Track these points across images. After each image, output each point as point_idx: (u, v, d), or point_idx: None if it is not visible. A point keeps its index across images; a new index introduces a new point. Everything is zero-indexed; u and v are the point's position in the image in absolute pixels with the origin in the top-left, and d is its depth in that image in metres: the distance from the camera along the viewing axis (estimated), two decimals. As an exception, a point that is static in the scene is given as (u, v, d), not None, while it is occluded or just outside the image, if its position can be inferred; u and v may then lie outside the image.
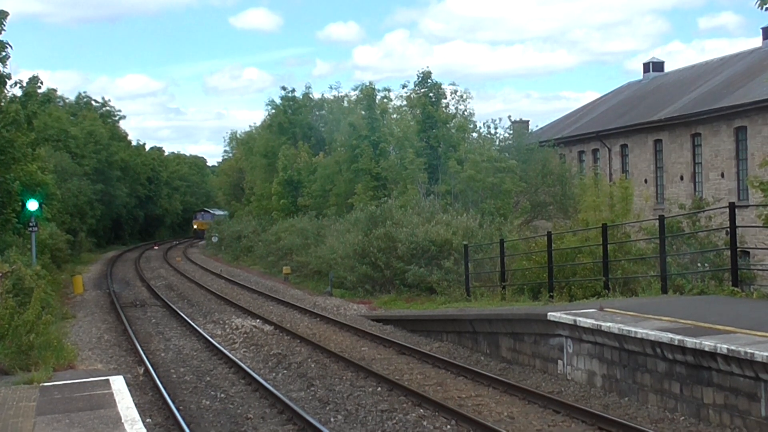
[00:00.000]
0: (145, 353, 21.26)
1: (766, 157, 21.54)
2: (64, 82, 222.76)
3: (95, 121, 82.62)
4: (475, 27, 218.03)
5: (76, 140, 72.56)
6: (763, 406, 11.49)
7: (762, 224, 20.49)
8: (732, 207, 18.06)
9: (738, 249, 18.58)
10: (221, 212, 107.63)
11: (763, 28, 43.94)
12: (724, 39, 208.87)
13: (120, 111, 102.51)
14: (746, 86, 37.42)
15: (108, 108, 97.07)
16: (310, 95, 69.74)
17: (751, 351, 11.46)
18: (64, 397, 12.68)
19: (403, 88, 50.55)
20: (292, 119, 67.45)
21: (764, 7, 19.71)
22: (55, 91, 77.66)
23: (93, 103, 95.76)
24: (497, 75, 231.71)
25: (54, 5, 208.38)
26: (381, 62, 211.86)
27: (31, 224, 32.70)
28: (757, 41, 45.15)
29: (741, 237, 22.94)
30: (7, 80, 32.88)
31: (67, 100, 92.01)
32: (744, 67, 41.76)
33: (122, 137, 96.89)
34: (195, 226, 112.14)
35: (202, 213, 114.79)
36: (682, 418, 12.97)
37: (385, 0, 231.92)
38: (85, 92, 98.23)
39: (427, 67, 50.07)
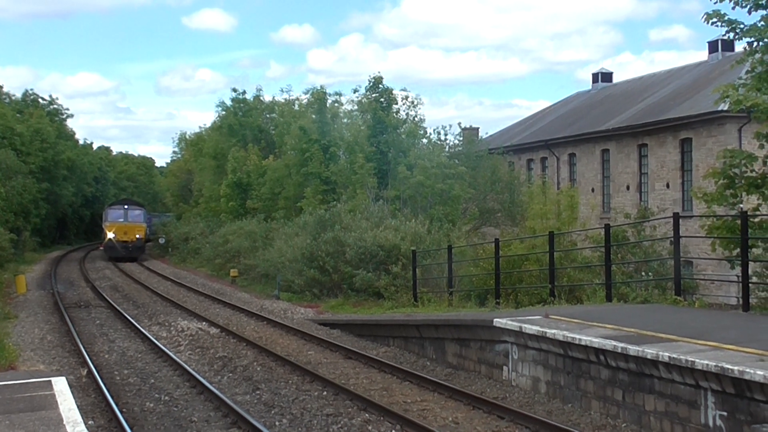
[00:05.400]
0: (88, 354, 20.98)
1: (710, 169, 21.88)
2: (14, 79, 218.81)
3: (42, 119, 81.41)
4: (430, 33, 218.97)
5: (22, 138, 71.42)
6: (702, 414, 11.67)
7: (705, 235, 20.82)
8: (676, 217, 18.33)
9: (681, 259, 18.87)
10: (139, 209, 67.60)
11: (709, 42, 44.70)
12: (674, 51, 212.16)
13: (68, 109, 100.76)
14: (692, 99, 38.07)
15: (55, 106, 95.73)
16: (261, 98, 69.67)
17: (692, 359, 11.63)
18: (5, 398, 12.48)
19: (354, 93, 50.47)
20: (243, 121, 67.21)
21: (710, 21, 20.10)
22: (0, 87, 76.61)
23: (40, 100, 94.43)
24: (450, 81, 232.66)
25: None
26: (335, 66, 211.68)
27: (-27, 222, 32.18)
28: (704, 54, 45.95)
29: (684, 247, 23.36)
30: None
31: (13, 97, 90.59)
32: (690, 80, 42.46)
33: (69, 136, 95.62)
34: (110, 235, 63.87)
35: (125, 208, 66.61)
36: (624, 425, 13.13)
37: (340, 4, 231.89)
38: (32, 90, 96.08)
39: (379, 72, 50.55)
